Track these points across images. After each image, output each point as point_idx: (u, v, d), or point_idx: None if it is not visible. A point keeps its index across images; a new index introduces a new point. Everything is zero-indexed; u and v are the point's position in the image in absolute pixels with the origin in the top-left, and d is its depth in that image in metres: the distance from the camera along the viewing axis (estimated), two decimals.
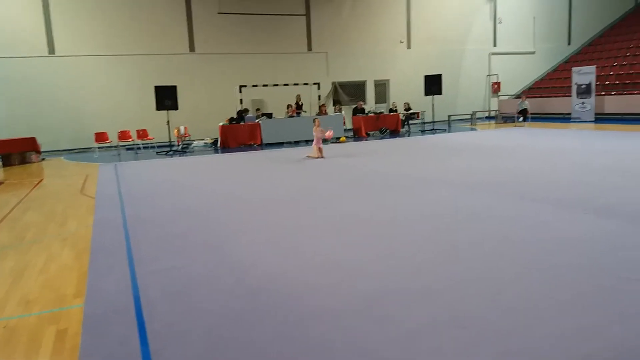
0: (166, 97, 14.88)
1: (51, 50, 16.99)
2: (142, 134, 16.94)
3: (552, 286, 3.51)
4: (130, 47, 17.93)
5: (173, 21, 18.50)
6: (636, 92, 19.00)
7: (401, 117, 19.26)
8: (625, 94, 19.24)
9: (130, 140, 16.82)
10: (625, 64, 21.42)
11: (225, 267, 4.31)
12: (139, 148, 16.84)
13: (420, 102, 20.09)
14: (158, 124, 16.24)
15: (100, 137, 16.41)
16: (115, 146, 16.91)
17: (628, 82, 20.05)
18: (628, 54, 22.06)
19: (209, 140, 16.99)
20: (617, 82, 20.48)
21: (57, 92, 17.05)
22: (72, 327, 3.35)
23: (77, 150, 17.17)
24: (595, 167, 8.45)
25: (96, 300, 3.75)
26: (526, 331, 2.88)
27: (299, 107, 18.06)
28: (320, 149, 11.76)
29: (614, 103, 19.11)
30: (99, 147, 16.59)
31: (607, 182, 7.13)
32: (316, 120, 12.16)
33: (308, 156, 11.90)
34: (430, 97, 18.82)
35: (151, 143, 17.13)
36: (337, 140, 16.42)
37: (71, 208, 7.48)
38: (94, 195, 8.36)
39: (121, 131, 16.75)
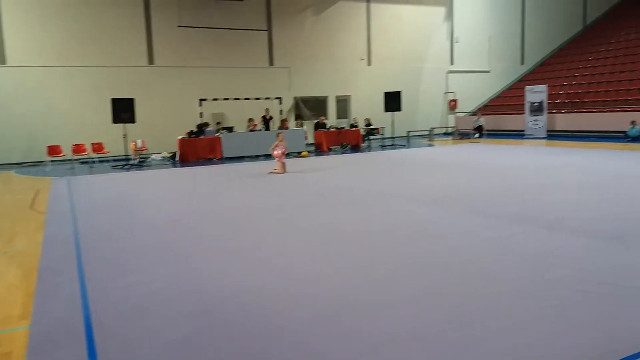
0: (123, 110, 14.55)
1: (2, 60, 16.40)
2: (97, 147, 16.49)
3: (509, 300, 3.58)
4: (86, 58, 17.50)
5: (132, 33, 18.19)
6: (584, 110, 19.89)
7: (362, 132, 19.49)
8: (574, 112, 20.12)
9: (85, 153, 16.32)
10: (575, 84, 22.43)
11: (182, 284, 4.21)
12: (93, 162, 16.36)
13: (381, 118, 20.39)
14: (114, 137, 15.82)
15: (54, 150, 15.86)
16: (69, 160, 16.36)
17: (577, 100, 20.97)
18: (577, 74, 23.11)
19: (167, 154, 16.69)
20: (567, 100, 21.40)
21: (8, 104, 16.43)
22: (17, 350, 3.18)
23: (28, 164, 16.51)
24: (546, 183, 8.75)
25: (43, 321, 3.58)
26: (484, 344, 2.92)
27: (266, 121, 17.90)
28: (283, 164, 11.69)
29: (564, 121, 19.94)
30: (52, 161, 16.02)
31: (558, 197, 7.39)
32: (280, 135, 12.06)
33: (271, 172, 11.81)
34: (390, 113, 19.13)
35: (107, 157, 16.68)
36: (299, 154, 16.43)
37: (20, 224, 7.16)
38: (45, 211, 8.04)
39: (75, 144, 16.24)
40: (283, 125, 17.74)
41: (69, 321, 3.55)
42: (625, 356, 2.68)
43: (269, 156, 16.26)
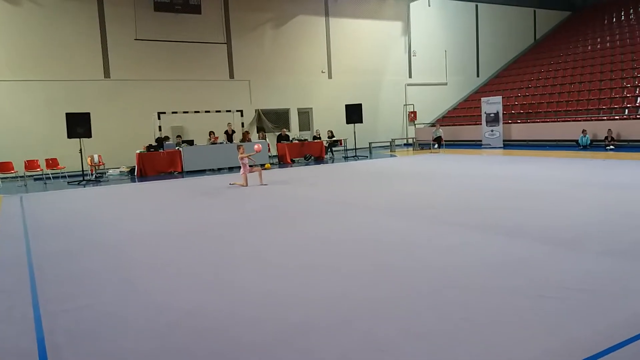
0: (79, 125, 14.15)
1: None
2: (51, 163, 15.93)
3: (467, 308, 3.62)
4: (38, 72, 16.93)
5: (86, 47, 17.74)
6: (538, 120, 20.64)
7: (325, 144, 19.59)
8: (529, 121, 20.84)
9: (38, 170, 15.73)
10: (528, 95, 23.26)
11: (139, 305, 4.08)
12: (48, 178, 15.79)
13: (343, 130, 20.56)
14: (70, 153, 15.33)
15: (4, 166, 15.22)
16: (21, 176, 15.72)
17: (531, 111, 21.74)
18: (530, 86, 23.98)
19: (125, 169, 16.30)
20: (521, 111, 22.15)
21: None
22: None
23: None
24: (504, 191, 8.98)
25: None
26: (440, 354, 2.93)
27: (229, 135, 17.65)
28: (246, 177, 11.58)
29: (519, 130, 20.61)
30: (2, 178, 15.36)
31: (515, 205, 7.59)
32: (241, 148, 11.92)
33: (232, 183, 11.69)
34: (352, 125, 19.31)
35: (62, 172, 16.14)
36: (262, 167, 16.31)
37: None
38: None
39: (28, 160, 15.64)
40: (245, 137, 17.64)
41: (21, 345, 3.39)
42: (586, 357, 2.75)
43: (231, 169, 16.15)
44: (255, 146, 12.09)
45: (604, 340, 2.95)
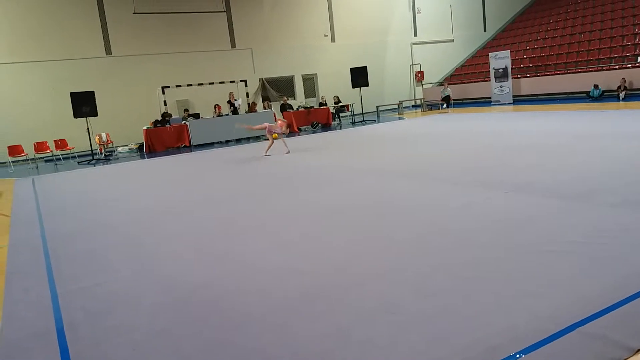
0: (84, 104, 14.14)
1: None
2: (60, 144, 16.01)
3: (477, 266, 3.62)
4: (39, 53, 16.84)
5: (85, 24, 17.54)
6: (548, 73, 20.19)
7: (331, 110, 19.41)
8: (538, 75, 20.40)
9: (48, 151, 15.82)
10: (537, 48, 22.69)
11: (152, 280, 4.13)
12: (58, 159, 15.91)
13: (349, 95, 20.31)
14: (78, 133, 15.38)
15: (15, 150, 15.32)
16: (32, 159, 15.84)
17: (540, 64, 21.25)
18: (538, 38, 23.38)
19: (133, 146, 16.35)
20: (530, 65, 21.66)
21: None
22: None
23: None
24: (513, 147, 8.87)
25: (13, 325, 3.48)
26: (451, 314, 2.94)
27: (233, 106, 17.26)
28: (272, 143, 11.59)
29: (529, 85, 20.22)
30: (13, 161, 15.50)
31: (525, 161, 7.50)
32: (279, 121, 12.13)
33: (266, 154, 11.57)
34: (357, 89, 19.06)
35: (72, 153, 16.24)
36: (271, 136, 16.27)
37: None
38: (9, 214, 7.78)
39: (37, 142, 15.73)
40: (251, 108, 17.52)
41: (40, 324, 3.46)
42: (595, 311, 2.74)
43: (238, 141, 16.11)
44: (279, 129, 11.90)
45: (614, 294, 2.94)
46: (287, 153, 11.45)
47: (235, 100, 17.38)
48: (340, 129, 17.42)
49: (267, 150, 11.57)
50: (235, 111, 17.27)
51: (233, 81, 17.93)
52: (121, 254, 4.99)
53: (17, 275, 4.64)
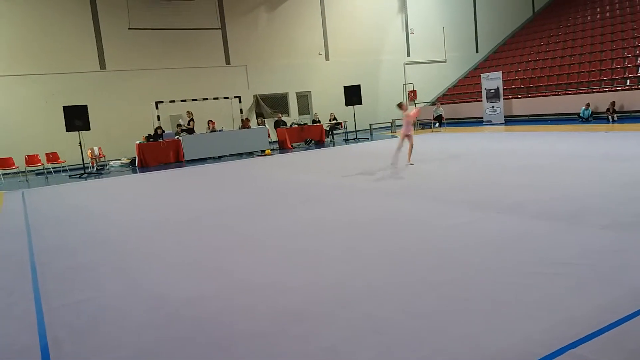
0: (76, 117, 14.11)
1: None
2: (52, 157, 15.91)
3: (467, 287, 3.61)
4: (33, 66, 16.81)
5: (80, 38, 17.58)
6: (539, 94, 20.43)
7: (325, 127, 19.48)
8: (529, 96, 20.64)
9: (39, 164, 15.73)
10: (528, 69, 23.00)
11: (139, 297, 4.08)
12: (49, 172, 15.80)
13: (343, 112, 20.42)
14: (70, 146, 15.31)
15: (5, 162, 15.22)
16: (22, 172, 15.74)
17: (531, 85, 21.51)
18: (530, 60, 23.70)
19: (125, 160, 16.29)
20: (521, 86, 21.92)
21: None
22: None
23: None
24: (505, 167, 8.92)
25: None
26: (441, 333, 2.92)
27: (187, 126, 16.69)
28: (403, 139, 10.16)
29: (520, 105, 20.42)
30: (3, 174, 15.37)
31: (516, 181, 7.54)
32: (403, 105, 10.62)
33: (409, 163, 10.23)
34: (351, 107, 19.16)
35: (63, 166, 16.14)
36: (262, 153, 16.31)
37: None
38: None
39: (28, 155, 15.64)
40: (245, 124, 17.56)
41: (23, 340, 3.40)
42: (584, 335, 2.73)
43: (232, 156, 16.10)
44: (412, 112, 10.57)
45: (605, 316, 2.93)
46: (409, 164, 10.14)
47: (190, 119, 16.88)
48: (334, 146, 17.47)
49: (409, 157, 10.22)
50: (190, 131, 16.59)
51: (227, 97, 17.99)
52: (110, 269, 4.93)
53: (2, 290, 4.57)
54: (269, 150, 16.55)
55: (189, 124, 16.84)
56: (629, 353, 2.54)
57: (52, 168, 15.97)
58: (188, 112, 17.20)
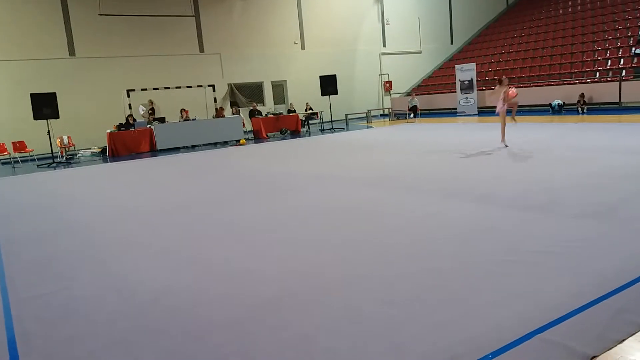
0: (45, 105, 13.71)
1: None
2: (19, 146, 15.46)
3: (439, 275, 3.65)
4: (1, 52, 16.26)
5: (48, 24, 17.05)
6: (512, 86, 20.64)
7: (301, 117, 19.41)
8: None
9: (5, 153, 15.27)
10: (501, 61, 23.30)
11: (112, 286, 4.01)
12: (16, 162, 15.37)
13: (318, 102, 20.38)
14: (38, 135, 14.88)
15: None
16: None
17: (504, 77, 21.74)
18: (503, 52, 24.01)
19: (96, 149, 15.94)
20: (495, 77, 22.16)
21: None
22: None
23: None
24: (478, 157, 9.05)
25: None
26: (414, 322, 2.95)
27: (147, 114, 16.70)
28: (504, 122, 10.02)
29: (494, 97, 20.66)
30: None
31: (488, 172, 7.65)
32: (503, 80, 10.48)
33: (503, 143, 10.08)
34: (327, 97, 19.12)
35: (31, 155, 15.70)
36: (237, 142, 16.17)
37: None
38: None
39: None
40: (219, 113, 17.36)
41: None
42: (553, 319, 2.80)
43: (206, 145, 15.92)
44: (511, 91, 10.28)
45: (572, 302, 3.00)
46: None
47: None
48: (309, 136, 17.43)
49: (504, 137, 10.11)
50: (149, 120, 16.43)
51: (200, 86, 17.74)
52: (79, 259, 4.82)
53: None
54: (244, 140, 16.43)
55: (150, 113, 16.58)
56: (595, 337, 2.61)
57: (19, 157, 15.54)
58: (150, 100, 16.93)
